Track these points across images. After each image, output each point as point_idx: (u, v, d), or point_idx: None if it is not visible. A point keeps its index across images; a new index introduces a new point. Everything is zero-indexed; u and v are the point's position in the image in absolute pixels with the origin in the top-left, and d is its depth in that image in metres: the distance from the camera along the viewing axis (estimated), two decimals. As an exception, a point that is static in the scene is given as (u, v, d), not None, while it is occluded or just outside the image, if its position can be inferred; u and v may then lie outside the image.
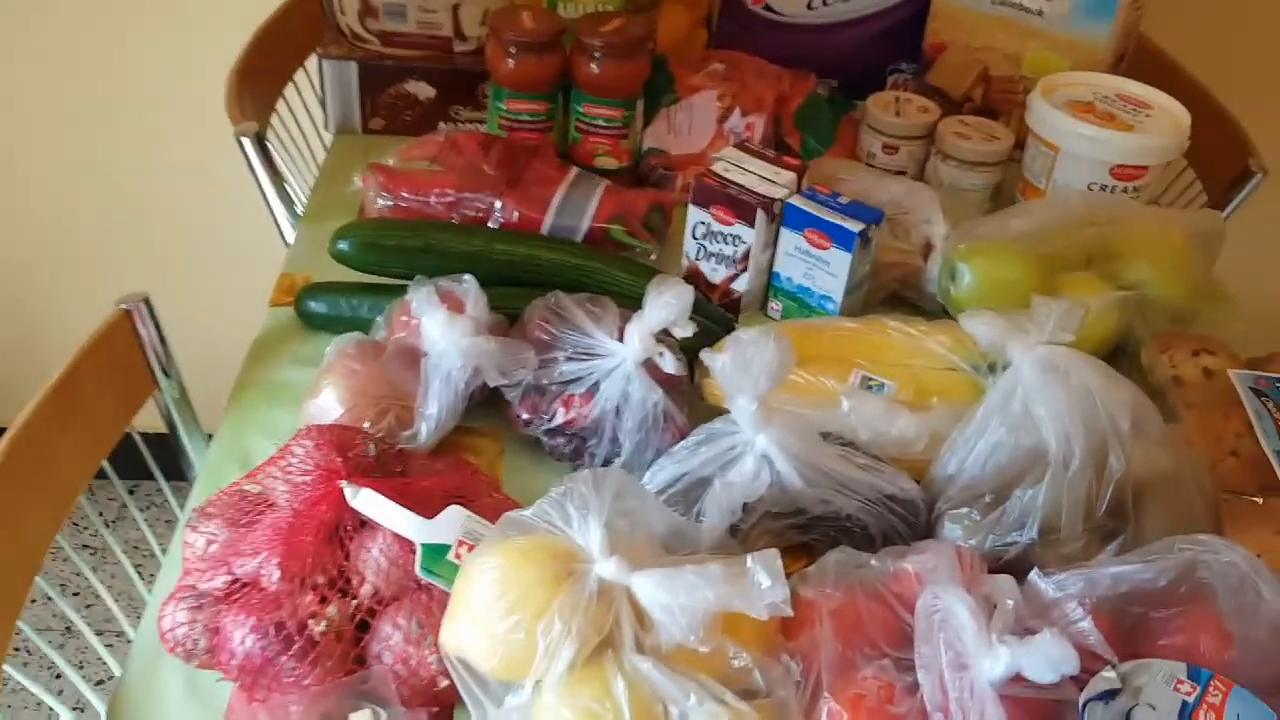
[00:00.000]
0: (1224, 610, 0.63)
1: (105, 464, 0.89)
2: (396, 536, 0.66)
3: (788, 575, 0.69)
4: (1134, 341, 0.92)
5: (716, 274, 1.00)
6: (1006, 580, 0.65)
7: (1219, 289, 1.01)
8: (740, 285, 0.99)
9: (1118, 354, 0.94)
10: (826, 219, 0.93)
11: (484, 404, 0.86)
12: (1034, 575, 0.65)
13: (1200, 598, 0.63)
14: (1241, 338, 0.94)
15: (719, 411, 0.77)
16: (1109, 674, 0.58)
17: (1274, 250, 1.58)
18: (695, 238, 0.99)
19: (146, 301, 0.89)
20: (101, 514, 1.07)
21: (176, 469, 1.00)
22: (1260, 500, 0.76)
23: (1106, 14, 1.14)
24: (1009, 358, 0.74)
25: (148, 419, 0.98)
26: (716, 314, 0.97)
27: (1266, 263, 1.48)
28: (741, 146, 1.02)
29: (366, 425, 0.77)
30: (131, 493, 0.98)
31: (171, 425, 0.95)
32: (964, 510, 0.74)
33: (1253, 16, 1.55)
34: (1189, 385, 0.86)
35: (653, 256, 1.03)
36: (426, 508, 0.67)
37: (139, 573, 1.00)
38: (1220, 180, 1.25)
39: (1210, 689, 0.57)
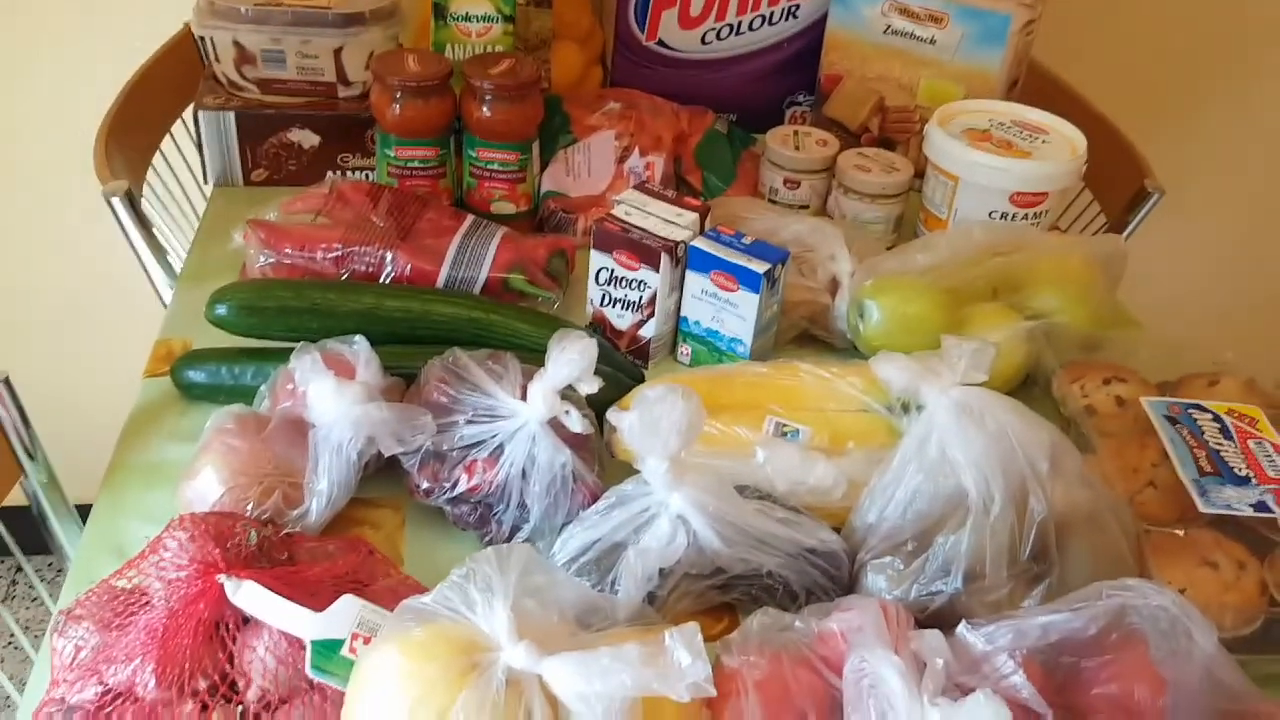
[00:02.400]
0: (1156, 655, 0.61)
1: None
2: (284, 633, 0.61)
3: (710, 639, 0.66)
4: (1044, 371, 0.91)
5: (623, 320, 0.96)
6: (935, 636, 0.62)
7: (1125, 313, 1.02)
8: (648, 331, 0.96)
9: (1029, 385, 0.93)
10: (731, 261, 0.91)
11: (382, 472, 0.81)
12: (962, 628, 0.63)
13: (1131, 644, 0.61)
14: (1149, 361, 0.94)
15: (631, 468, 0.73)
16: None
17: (1175, 269, 1.62)
18: (599, 283, 0.96)
19: (6, 381, 0.82)
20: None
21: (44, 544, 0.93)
22: (1181, 532, 0.75)
23: (997, 41, 1.14)
24: (922, 401, 0.72)
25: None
26: (624, 363, 0.93)
27: (1169, 282, 1.50)
28: (642, 188, 0.99)
29: (249, 507, 0.71)
30: (18, 570, 0.90)
31: (41, 513, 0.88)
32: (887, 560, 0.72)
33: (1141, 36, 1.59)
34: (1102, 415, 0.86)
35: (555, 305, 0.99)
36: (317, 598, 0.62)
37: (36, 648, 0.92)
38: (1118, 202, 1.27)
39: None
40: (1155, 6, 1.58)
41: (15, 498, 0.94)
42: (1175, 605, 0.60)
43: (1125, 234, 1.23)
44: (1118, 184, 1.26)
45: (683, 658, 0.57)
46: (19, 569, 0.89)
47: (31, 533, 0.95)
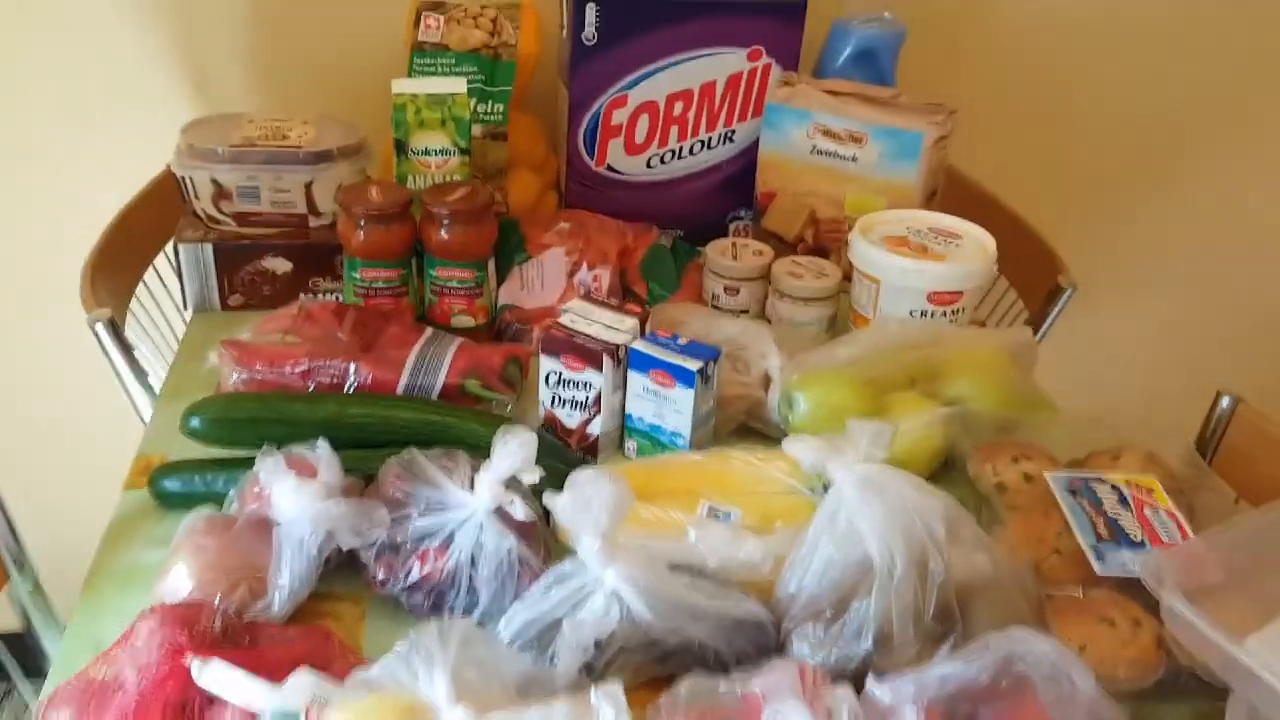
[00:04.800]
0: (1044, 700, 0.67)
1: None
2: (247, 711, 0.66)
3: (646, 709, 0.72)
4: (960, 454, 0.98)
5: (572, 419, 1.03)
6: (845, 691, 0.68)
7: (1040, 396, 1.09)
8: (595, 428, 1.03)
9: (948, 467, 1.00)
10: (668, 360, 0.98)
11: (342, 568, 0.86)
12: (870, 683, 0.69)
13: (1021, 690, 0.67)
14: (1061, 440, 1.01)
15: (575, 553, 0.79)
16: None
17: (1093, 357, 1.71)
18: (549, 385, 1.03)
19: (-6, 494, 0.88)
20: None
21: (38, 667, 0.98)
22: (1080, 593, 0.81)
23: (911, 157, 1.25)
24: (831, 478, 0.78)
25: (5, 617, 0.96)
26: (575, 459, 1.00)
27: (1087, 368, 1.60)
28: (587, 298, 1.07)
29: (217, 600, 0.77)
30: (7, 695, 0.95)
31: (27, 620, 0.93)
32: (809, 627, 0.77)
33: (1053, 146, 1.71)
34: (1012, 490, 0.92)
35: (509, 408, 1.07)
36: (277, 677, 0.67)
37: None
38: (1037, 296, 1.36)
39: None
40: (1071, 123, 1.70)
41: (9, 624, 0.99)
42: (1055, 652, 0.66)
43: (1045, 326, 1.32)
44: (1036, 279, 1.36)
45: (607, 715, 0.62)
46: (8, 693, 0.94)
47: (25, 657, 0.99)
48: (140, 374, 1.18)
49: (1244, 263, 1.85)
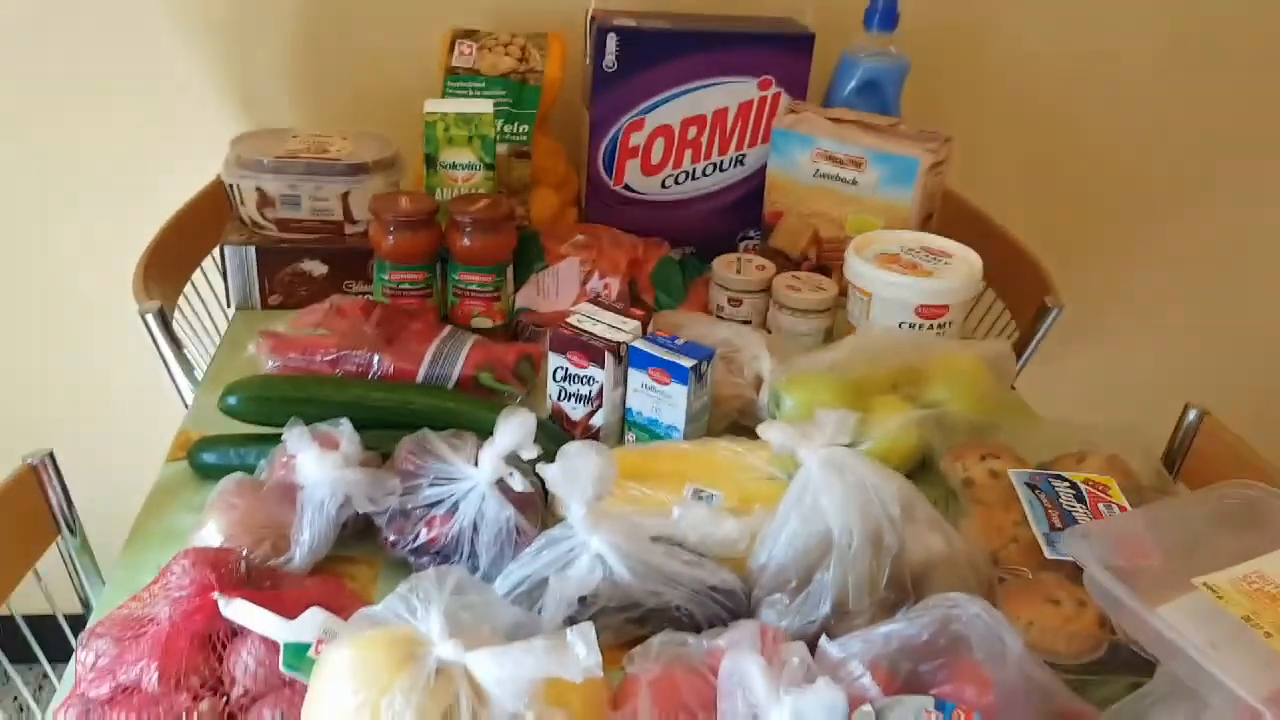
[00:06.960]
0: (979, 657, 0.74)
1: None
2: (264, 641, 0.75)
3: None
4: (935, 453, 1.05)
5: (576, 412, 1.12)
6: (799, 646, 0.76)
7: (1015, 402, 1.16)
8: (598, 420, 1.11)
9: (925, 466, 1.07)
10: (664, 358, 1.07)
11: (359, 535, 0.95)
12: (823, 641, 0.76)
13: (959, 648, 0.74)
14: (1036, 444, 1.07)
15: (568, 525, 0.87)
16: (866, 709, 0.68)
17: (1082, 372, 1.77)
18: (556, 381, 1.12)
19: (51, 456, 0.98)
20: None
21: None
22: (1031, 575, 0.88)
23: (907, 181, 1.33)
24: (800, 459, 0.86)
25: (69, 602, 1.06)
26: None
27: (1076, 382, 1.66)
28: (595, 302, 1.16)
29: (244, 553, 0.85)
30: (44, 677, 1.04)
31: (74, 570, 1.03)
32: (776, 596, 0.85)
33: (1050, 172, 1.79)
34: (979, 485, 0.99)
35: (518, 399, 1.15)
36: (293, 616, 0.76)
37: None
38: (1027, 315, 1.43)
39: (953, 717, 0.67)
40: (1067, 152, 1.78)
41: (41, 607, 1.09)
42: (986, 613, 0.73)
43: (1034, 343, 1.39)
44: (1029, 300, 1.43)
45: (580, 649, 0.70)
46: (45, 675, 1.03)
47: (60, 642, 1.09)
48: (185, 363, 1.28)
49: (1231, 285, 1.92)
